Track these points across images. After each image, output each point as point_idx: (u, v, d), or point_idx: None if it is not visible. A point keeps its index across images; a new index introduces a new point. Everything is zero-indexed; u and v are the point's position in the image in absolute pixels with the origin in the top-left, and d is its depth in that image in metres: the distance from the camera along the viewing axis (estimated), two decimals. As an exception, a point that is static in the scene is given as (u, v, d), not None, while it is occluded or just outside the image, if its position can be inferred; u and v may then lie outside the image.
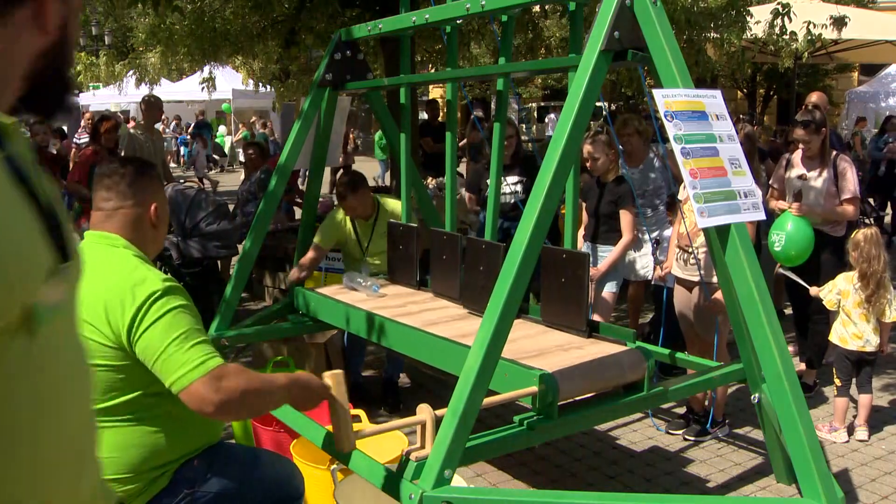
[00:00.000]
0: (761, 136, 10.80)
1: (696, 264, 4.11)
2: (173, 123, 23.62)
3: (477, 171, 6.26)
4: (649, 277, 5.17)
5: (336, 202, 5.04)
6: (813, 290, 4.44)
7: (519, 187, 5.45)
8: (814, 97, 6.72)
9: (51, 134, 9.18)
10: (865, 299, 4.18)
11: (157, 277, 2.02)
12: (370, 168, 17.71)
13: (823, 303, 4.33)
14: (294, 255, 4.66)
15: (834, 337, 4.36)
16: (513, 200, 5.47)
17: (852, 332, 4.24)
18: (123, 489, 2.05)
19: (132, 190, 2.19)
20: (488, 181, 5.34)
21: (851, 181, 4.72)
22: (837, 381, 4.33)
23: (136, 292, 1.96)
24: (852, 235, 4.36)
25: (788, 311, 5.70)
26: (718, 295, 3.88)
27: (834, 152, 4.87)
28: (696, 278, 4.13)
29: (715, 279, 4.06)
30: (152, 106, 7.55)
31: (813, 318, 4.90)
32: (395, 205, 4.90)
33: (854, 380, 4.34)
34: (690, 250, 4.12)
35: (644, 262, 5.18)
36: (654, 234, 5.12)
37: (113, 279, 2.00)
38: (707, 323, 4.19)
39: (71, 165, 9.24)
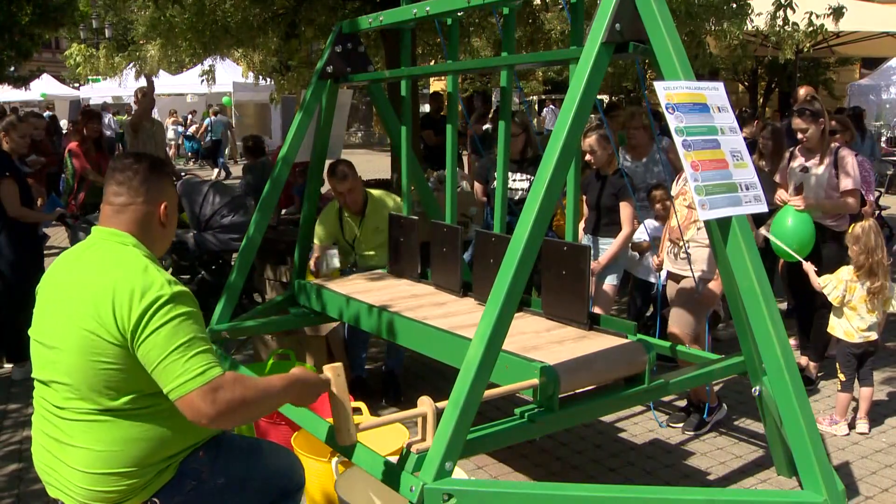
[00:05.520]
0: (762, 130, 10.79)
1: (685, 258, 4.09)
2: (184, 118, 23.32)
3: (485, 161, 6.25)
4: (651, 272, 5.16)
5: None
6: (814, 281, 4.34)
7: (525, 185, 5.37)
8: (801, 91, 6.83)
9: (43, 129, 9.17)
10: (872, 291, 4.16)
11: (166, 281, 2.00)
12: (375, 162, 17.58)
13: (829, 299, 4.25)
14: (295, 248, 4.65)
15: (839, 332, 4.29)
16: (516, 197, 5.43)
17: (857, 325, 4.22)
18: (128, 483, 2.03)
19: (144, 187, 2.16)
20: (495, 174, 5.31)
21: (851, 173, 4.64)
22: (841, 377, 4.29)
23: (143, 294, 1.95)
24: (850, 229, 4.31)
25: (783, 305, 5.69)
26: (697, 285, 3.87)
27: (836, 144, 4.82)
28: (687, 272, 4.11)
29: (703, 272, 4.05)
30: (144, 96, 7.61)
31: (819, 311, 4.86)
32: (387, 199, 4.87)
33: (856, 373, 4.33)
34: (681, 244, 4.11)
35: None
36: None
37: (122, 279, 1.98)
38: (694, 316, 4.14)
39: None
